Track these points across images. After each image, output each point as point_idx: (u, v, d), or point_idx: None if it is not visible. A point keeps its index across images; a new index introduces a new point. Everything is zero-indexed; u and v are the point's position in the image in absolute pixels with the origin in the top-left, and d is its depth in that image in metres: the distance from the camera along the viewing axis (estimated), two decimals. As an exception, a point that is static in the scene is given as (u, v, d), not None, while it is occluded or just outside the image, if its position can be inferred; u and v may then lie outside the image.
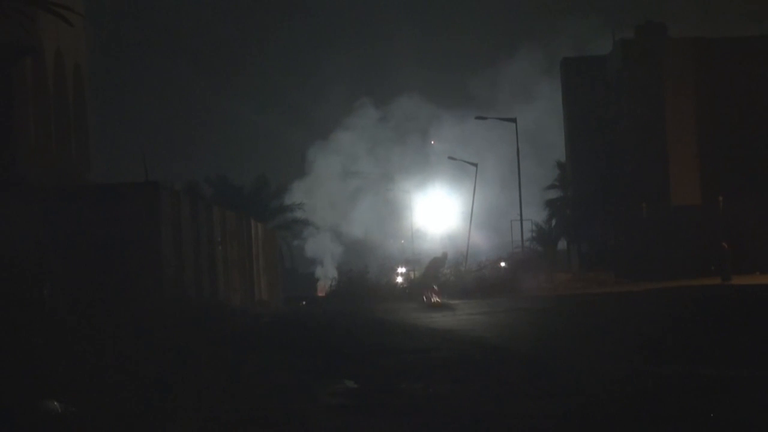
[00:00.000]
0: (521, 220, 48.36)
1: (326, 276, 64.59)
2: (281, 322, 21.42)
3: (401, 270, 62.80)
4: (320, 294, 57.31)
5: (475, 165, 52.12)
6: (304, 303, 46.60)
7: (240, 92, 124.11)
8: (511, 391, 8.17)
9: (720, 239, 37.33)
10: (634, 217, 49.15)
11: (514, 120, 47.71)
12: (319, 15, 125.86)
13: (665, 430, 6.27)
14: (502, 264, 50.75)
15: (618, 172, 52.62)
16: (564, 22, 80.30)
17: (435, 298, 29.06)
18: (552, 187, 62.88)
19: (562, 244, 64.06)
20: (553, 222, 64.72)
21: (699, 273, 39.98)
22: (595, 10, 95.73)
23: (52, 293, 16.17)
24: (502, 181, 55.41)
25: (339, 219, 67.61)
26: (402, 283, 53.53)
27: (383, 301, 36.88)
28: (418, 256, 64.34)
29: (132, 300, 18.33)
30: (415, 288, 38.73)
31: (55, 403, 7.13)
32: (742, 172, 49.82)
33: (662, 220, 47.45)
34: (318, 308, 36.59)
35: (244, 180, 65.99)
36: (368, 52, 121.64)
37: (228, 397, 8.48)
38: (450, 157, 56.32)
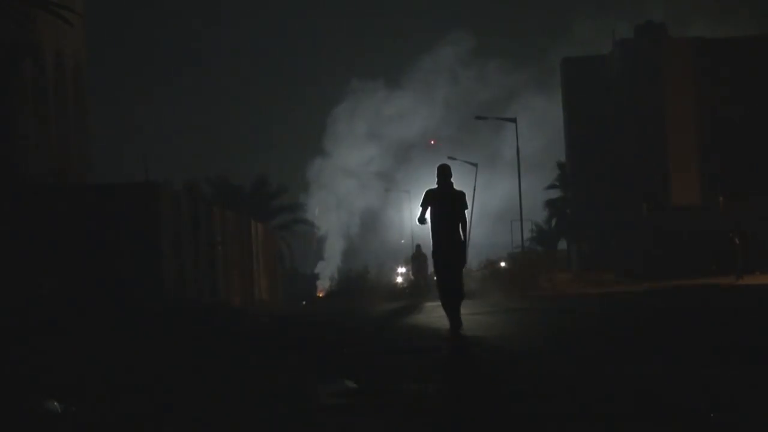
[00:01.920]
0: (521, 220, 48.43)
1: (326, 276, 64.55)
2: (281, 322, 21.43)
3: (401, 270, 62.81)
4: (320, 294, 57.34)
5: (475, 165, 52.15)
6: (304, 303, 46.64)
7: (240, 92, 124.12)
8: (511, 392, 8.17)
9: (731, 235, 36.99)
10: (634, 217, 49.16)
11: (514, 120, 47.76)
12: (319, 13, 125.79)
13: (665, 430, 6.28)
14: (502, 264, 50.77)
15: (618, 172, 52.62)
16: (582, 20, 79.58)
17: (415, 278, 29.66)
18: (552, 187, 62.93)
19: (562, 244, 64.10)
20: (553, 222, 64.75)
21: (699, 273, 39.97)
22: (612, 5, 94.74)
23: (52, 293, 16.18)
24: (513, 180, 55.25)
25: (340, 217, 67.40)
26: (402, 283, 53.56)
27: (383, 301, 36.88)
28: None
29: (132, 299, 18.35)
30: (414, 288, 38.90)
31: (55, 403, 7.13)
32: (742, 172, 49.81)
33: (662, 220, 47.46)
34: (318, 308, 36.60)
35: (244, 180, 66.05)
36: (370, 49, 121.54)
37: (227, 397, 8.48)
38: (450, 157, 56.28)
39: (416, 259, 39.40)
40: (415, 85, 67.78)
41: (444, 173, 14.99)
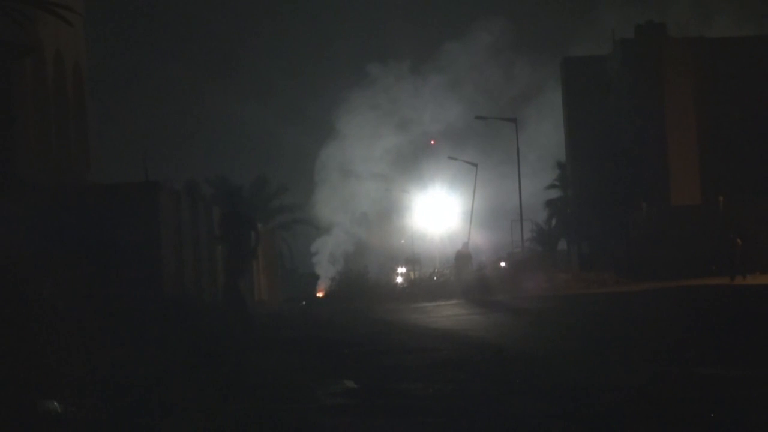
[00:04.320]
0: (521, 220, 48.44)
1: (326, 276, 64.47)
2: (281, 322, 21.43)
3: (401, 270, 62.77)
4: (320, 294, 57.30)
5: (475, 165, 52.15)
6: (304, 303, 46.61)
7: (240, 92, 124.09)
8: (511, 391, 8.17)
9: (732, 235, 37.07)
10: (634, 217, 49.15)
11: (514, 120, 47.81)
12: (320, 10, 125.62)
13: (665, 430, 6.27)
14: (502, 264, 50.78)
15: (618, 171, 52.65)
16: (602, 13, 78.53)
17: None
18: (552, 187, 62.88)
19: (562, 244, 64.05)
20: (553, 222, 64.73)
21: (699, 273, 39.97)
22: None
23: (52, 293, 16.17)
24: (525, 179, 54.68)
25: (343, 216, 67.02)
26: (402, 283, 53.54)
27: (383, 301, 36.87)
28: (418, 256, 64.22)
29: (132, 300, 18.34)
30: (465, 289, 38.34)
31: (55, 403, 7.13)
32: (742, 172, 49.83)
33: (662, 220, 47.44)
34: (318, 308, 36.60)
35: (244, 180, 65.94)
36: (371, 46, 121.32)
37: (227, 397, 8.48)
38: (450, 157, 56.20)
39: (461, 257, 39.67)
40: (437, 77, 66.28)
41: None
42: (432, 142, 68.33)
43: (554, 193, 62.97)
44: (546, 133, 58.58)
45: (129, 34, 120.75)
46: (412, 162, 68.39)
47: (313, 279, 66.51)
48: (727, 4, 66.70)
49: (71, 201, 19.88)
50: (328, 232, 64.40)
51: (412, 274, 59.88)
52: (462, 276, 39.56)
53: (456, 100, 63.57)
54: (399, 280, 58.23)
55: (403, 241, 69.25)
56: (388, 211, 68.46)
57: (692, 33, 53.49)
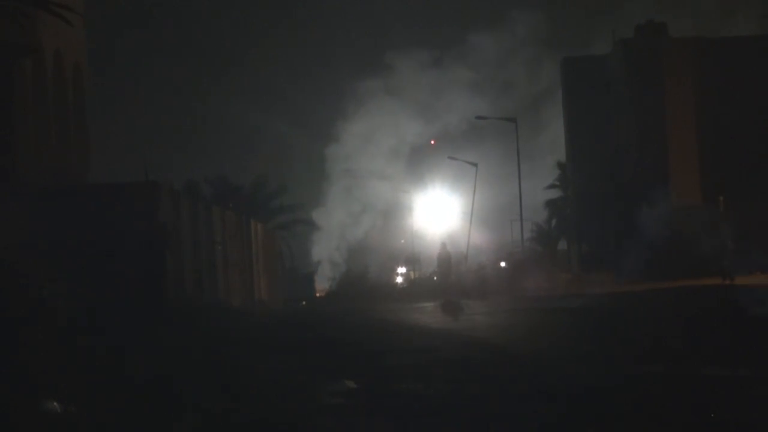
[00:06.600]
0: (521, 220, 48.43)
1: (326, 276, 64.44)
2: (281, 322, 21.42)
3: (401, 270, 62.74)
4: (320, 294, 57.30)
5: (475, 165, 52.13)
6: (304, 303, 46.59)
7: (240, 92, 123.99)
8: (511, 391, 8.17)
9: (725, 239, 37.25)
10: (634, 217, 49.15)
11: (514, 120, 47.83)
12: (320, 10, 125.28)
13: (666, 431, 6.27)
14: (502, 264, 50.82)
15: (618, 172, 52.65)
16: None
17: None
18: (552, 187, 62.87)
19: (562, 244, 64.01)
20: (553, 222, 64.74)
21: (699, 273, 39.96)
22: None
23: (52, 293, 16.16)
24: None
25: (344, 215, 66.79)
26: (402, 283, 53.55)
27: (383, 302, 36.87)
28: (419, 256, 64.18)
29: (131, 300, 18.35)
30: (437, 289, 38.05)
31: (55, 403, 7.13)
32: (742, 172, 49.81)
33: (662, 220, 47.41)
34: (318, 308, 36.59)
35: (244, 180, 65.78)
36: (372, 47, 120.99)
37: (228, 397, 8.48)
38: (450, 157, 56.13)
39: (440, 258, 39.35)
40: (439, 77, 65.30)
41: None
42: (432, 142, 68.11)
43: (554, 193, 62.97)
44: (551, 132, 58.42)
45: (129, 34, 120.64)
46: (413, 161, 68.19)
47: (313, 279, 66.53)
48: (749, 2, 66.17)
49: (71, 201, 19.88)
50: (332, 230, 64.21)
51: (412, 274, 59.90)
52: (443, 278, 39.39)
53: (459, 100, 63.23)
54: (399, 280, 58.24)
55: (403, 241, 69.15)
56: (390, 211, 68.28)
57: (709, 33, 53.36)
